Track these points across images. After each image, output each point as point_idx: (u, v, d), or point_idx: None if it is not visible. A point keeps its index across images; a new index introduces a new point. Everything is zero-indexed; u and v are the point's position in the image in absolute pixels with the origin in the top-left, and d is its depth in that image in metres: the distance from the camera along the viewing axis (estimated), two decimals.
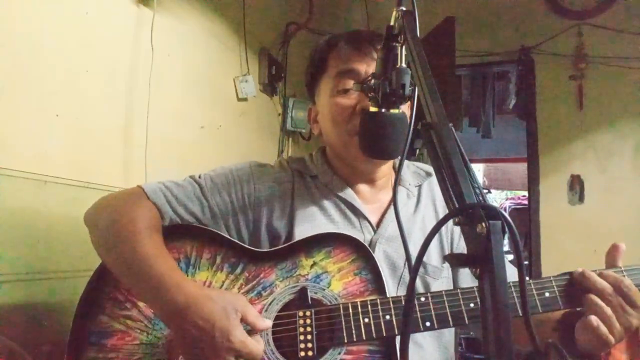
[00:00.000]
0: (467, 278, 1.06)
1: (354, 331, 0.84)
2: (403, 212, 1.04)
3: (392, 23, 0.75)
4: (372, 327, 0.84)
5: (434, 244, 1.05)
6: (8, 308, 1.27)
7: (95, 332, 0.90)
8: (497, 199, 9.51)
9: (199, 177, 1.03)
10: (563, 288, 0.86)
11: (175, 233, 0.95)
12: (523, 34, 3.29)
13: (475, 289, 0.84)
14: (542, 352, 0.48)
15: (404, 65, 0.73)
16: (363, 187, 1.07)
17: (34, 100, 1.40)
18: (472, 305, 0.83)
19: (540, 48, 3.25)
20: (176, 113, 2.07)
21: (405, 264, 0.99)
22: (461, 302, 0.84)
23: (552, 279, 0.87)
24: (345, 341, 0.84)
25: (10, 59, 1.32)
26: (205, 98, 2.32)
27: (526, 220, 3.33)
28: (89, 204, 1.00)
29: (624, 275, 0.85)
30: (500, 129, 4.25)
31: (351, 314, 0.85)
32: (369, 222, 1.02)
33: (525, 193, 4.57)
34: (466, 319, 0.83)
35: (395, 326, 0.83)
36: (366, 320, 0.84)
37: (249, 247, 0.96)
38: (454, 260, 0.47)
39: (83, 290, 0.93)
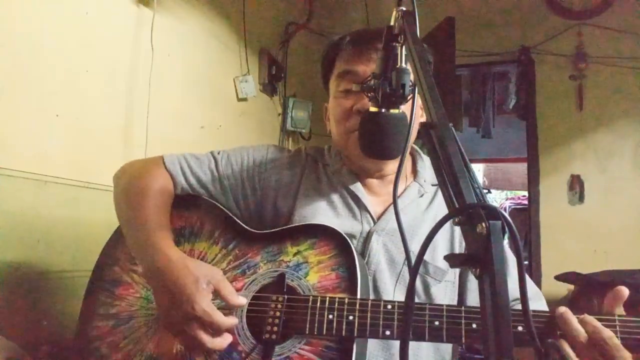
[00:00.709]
0: (474, 287, 1.03)
1: (316, 325, 0.85)
2: (412, 208, 1.04)
3: (392, 23, 0.75)
4: (334, 325, 0.84)
5: (444, 245, 1.04)
6: (8, 308, 1.28)
7: (108, 280, 1.01)
8: (497, 199, 9.50)
9: (218, 153, 1.12)
10: (540, 324, 0.78)
11: (187, 203, 1.05)
12: (523, 34, 3.29)
13: (445, 307, 0.82)
14: (543, 351, 0.48)
15: (404, 65, 0.73)
16: (372, 181, 1.08)
17: (34, 100, 1.40)
18: (436, 323, 0.81)
19: (540, 48, 3.25)
20: (176, 113, 2.07)
21: (404, 261, 0.98)
22: (426, 317, 0.81)
23: (531, 313, 0.77)
24: (307, 332, 0.85)
25: (10, 59, 1.32)
26: (205, 98, 2.32)
27: (526, 220, 3.33)
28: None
29: (615, 325, 0.74)
30: (500, 129, 4.24)
31: (318, 308, 0.86)
32: (370, 213, 1.03)
33: (525, 193, 4.57)
34: (427, 335, 0.81)
35: (355, 328, 0.83)
36: (330, 317, 0.85)
37: (246, 227, 1.00)
38: (453, 260, 0.47)
39: (108, 239, 1.05)
